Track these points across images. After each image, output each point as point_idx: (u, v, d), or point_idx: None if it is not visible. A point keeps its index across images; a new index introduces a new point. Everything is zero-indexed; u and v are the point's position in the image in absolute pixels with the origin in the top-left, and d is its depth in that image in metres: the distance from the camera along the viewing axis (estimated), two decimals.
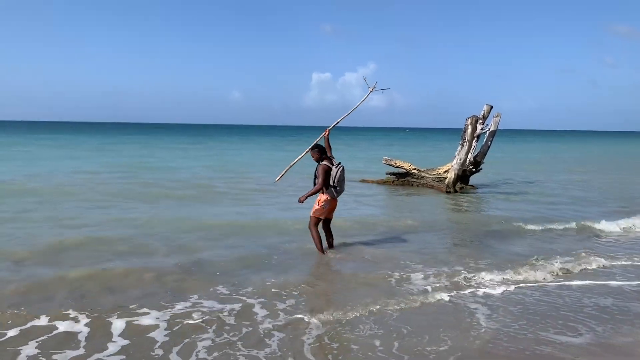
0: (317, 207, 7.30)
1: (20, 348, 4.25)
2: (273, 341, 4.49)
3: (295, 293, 5.74)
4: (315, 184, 7.24)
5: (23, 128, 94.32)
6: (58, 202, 11.37)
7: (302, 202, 7.17)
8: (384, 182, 16.85)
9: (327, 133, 7.73)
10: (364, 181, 17.19)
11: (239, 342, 4.45)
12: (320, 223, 7.55)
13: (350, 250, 7.71)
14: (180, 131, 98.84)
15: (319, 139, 7.80)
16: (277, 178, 7.84)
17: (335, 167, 7.20)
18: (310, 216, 7.39)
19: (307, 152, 7.52)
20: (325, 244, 7.61)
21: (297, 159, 7.69)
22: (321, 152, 7.28)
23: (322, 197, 7.24)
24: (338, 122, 7.88)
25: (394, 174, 16.84)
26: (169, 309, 5.13)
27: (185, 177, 17.13)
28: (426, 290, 5.90)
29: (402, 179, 16.64)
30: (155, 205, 11.40)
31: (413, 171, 16.47)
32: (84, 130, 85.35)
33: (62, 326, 4.67)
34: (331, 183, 7.17)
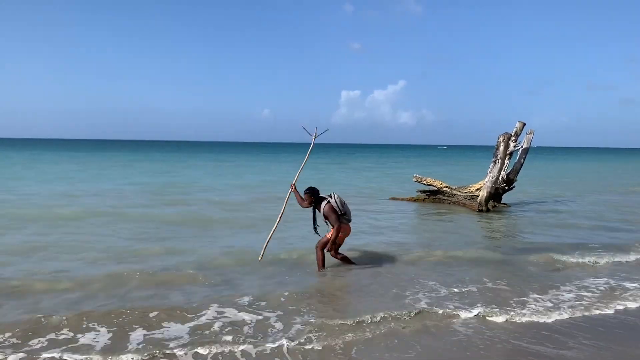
0: (333, 231, 7.33)
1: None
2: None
3: (307, 312, 5.74)
4: (329, 224, 7.36)
5: (42, 145, 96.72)
6: (88, 228, 10.92)
7: (331, 250, 7.38)
8: (414, 200, 16.75)
9: (293, 188, 7.63)
10: (394, 199, 17.17)
11: (248, 349, 4.70)
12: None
13: (370, 270, 7.61)
14: (212, 149, 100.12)
15: (288, 196, 7.78)
16: (259, 258, 7.67)
17: (333, 200, 7.30)
18: (324, 236, 7.43)
19: (282, 214, 7.66)
20: (342, 263, 7.69)
21: (273, 228, 7.68)
22: (313, 194, 7.33)
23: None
24: (298, 174, 7.95)
25: (425, 191, 16.72)
26: (193, 321, 5.37)
27: (216, 198, 16.99)
28: (436, 315, 5.70)
29: (433, 196, 16.52)
30: (185, 230, 11.03)
31: (444, 189, 16.30)
32: (113, 148, 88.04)
33: (85, 332, 4.99)
34: (339, 213, 7.30)
